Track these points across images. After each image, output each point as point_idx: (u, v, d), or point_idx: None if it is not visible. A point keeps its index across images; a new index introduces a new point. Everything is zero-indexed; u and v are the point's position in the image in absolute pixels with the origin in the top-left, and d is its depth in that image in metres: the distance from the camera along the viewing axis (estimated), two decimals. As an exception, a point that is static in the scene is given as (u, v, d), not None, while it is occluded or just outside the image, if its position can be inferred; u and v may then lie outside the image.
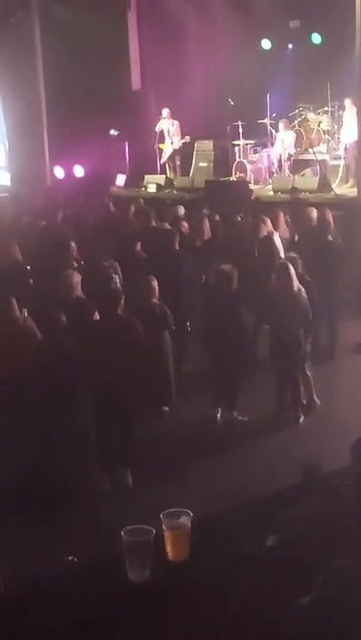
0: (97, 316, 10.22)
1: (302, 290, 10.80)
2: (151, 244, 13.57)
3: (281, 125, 21.34)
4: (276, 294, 10.86)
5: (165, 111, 22.86)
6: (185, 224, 15.52)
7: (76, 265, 12.69)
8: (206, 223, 15.11)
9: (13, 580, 5.08)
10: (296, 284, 10.81)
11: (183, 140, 22.78)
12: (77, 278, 11.06)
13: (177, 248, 13.30)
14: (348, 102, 20.11)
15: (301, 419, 10.97)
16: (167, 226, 15.44)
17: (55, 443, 9.46)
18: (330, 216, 14.55)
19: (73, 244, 13.33)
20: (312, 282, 11.32)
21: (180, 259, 13.04)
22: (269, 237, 13.40)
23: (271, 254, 12.69)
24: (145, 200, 19.57)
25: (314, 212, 14.95)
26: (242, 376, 11.21)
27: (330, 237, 13.64)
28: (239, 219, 15.33)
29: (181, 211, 16.75)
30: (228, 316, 10.90)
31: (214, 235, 14.61)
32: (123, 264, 12.91)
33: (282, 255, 13.56)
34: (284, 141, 21.31)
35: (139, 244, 13.57)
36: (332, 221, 14.41)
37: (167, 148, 23.08)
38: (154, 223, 15.42)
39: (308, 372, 11.24)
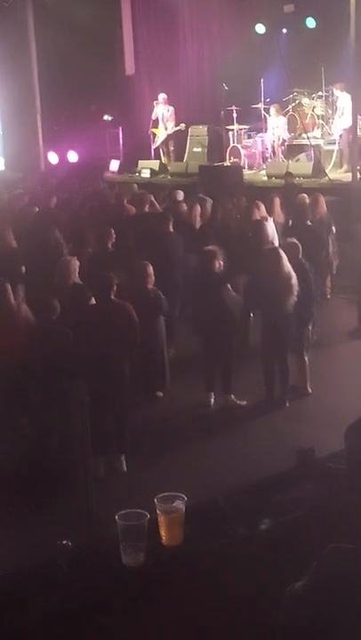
0: (93, 302, 10.22)
1: (293, 275, 10.78)
2: (145, 229, 13.57)
3: (272, 111, 21.28)
4: (266, 279, 10.85)
5: (162, 96, 22.80)
6: (184, 207, 15.48)
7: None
8: (202, 208, 15.10)
9: (8, 565, 5.10)
10: (287, 268, 10.78)
11: (177, 128, 22.75)
12: (75, 264, 11.04)
13: (171, 230, 13.32)
14: (336, 89, 20.17)
15: (287, 403, 10.99)
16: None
17: (50, 428, 9.47)
18: (311, 201, 14.59)
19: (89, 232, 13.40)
20: (310, 268, 11.30)
21: (173, 241, 13.04)
22: (259, 222, 13.39)
23: (259, 239, 12.68)
24: (139, 185, 19.53)
25: (306, 198, 14.97)
26: (234, 359, 11.19)
27: (308, 222, 13.63)
28: (230, 206, 15.29)
29: (180, 195, 16.67)
30: (213, 298, 10.88)
31: (211, 219, 14.58)
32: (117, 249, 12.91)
33: (276, 240, 13.58)
34: (275, 127, 21.27)
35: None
36: (308, 206, 14.47)
37: (161, 134, 23.04)
38: (147, 209, 15.39)
39: (305, 358, 11.24)
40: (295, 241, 11.52)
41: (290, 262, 11.02)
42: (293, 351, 11.17)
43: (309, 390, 11.22)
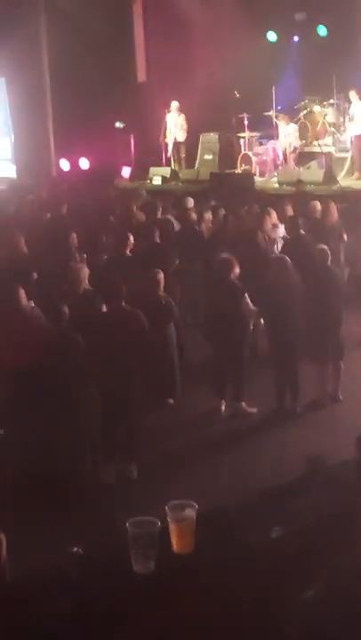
0: (104, 309, 10.24)
1: (298, 283, 10.81)
2: (140, 238, 13.60)
3: (282, 122, 21.25)
4: (272, 287, 10.87)
5: (174, 104, 22.80)
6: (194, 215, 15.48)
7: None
8: (213, 215, 15.09)
9: (20, 571, 5.11)
10: (294, 277, 10.83)
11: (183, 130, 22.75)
12: (85, 271, 11.05)
13: (157, 241, 13.31)
14: (353, 94, 20.08)
15: (298, 410, 10.98)
16: (172, 218, 15.43)
17: (60, 435, 9.46)
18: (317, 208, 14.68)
19: (104, 238, 13.41)
20: (339, 272, 11.28)
21: (160, 252, 13.02)
22: (254, 231, 13.45)
23: (256, 247, 12.76)
24: (150, 192, 19.55)
25: (318, 205, 14.98)
26: (246, 367, 11.19)
27: (301, 231, 13.67)
28: (243, 213, 15.29)
29: (190, 203, 16.66)
30: (227, 306, 10.89)
31: (223, 227, 14.58)
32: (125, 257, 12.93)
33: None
34: (287, 135, 21.24)
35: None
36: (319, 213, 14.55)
37: (171, 141, 23.04)
38: (160, 215, 15.41)
39: (341, 364, 11.24)
40: (325, 247, 11.51)
41: (319, 268, 11.07)
42: (318, 359, 11.14)
43: (340, 397, 11.21)
